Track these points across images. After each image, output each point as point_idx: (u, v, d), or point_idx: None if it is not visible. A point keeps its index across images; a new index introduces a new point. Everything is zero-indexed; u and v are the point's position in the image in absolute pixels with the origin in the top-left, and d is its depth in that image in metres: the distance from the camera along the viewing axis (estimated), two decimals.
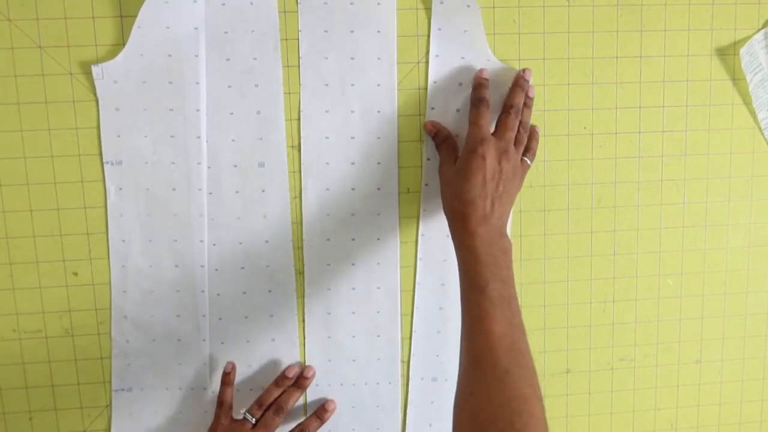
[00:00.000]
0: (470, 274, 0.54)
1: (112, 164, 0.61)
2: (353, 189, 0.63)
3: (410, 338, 0.66)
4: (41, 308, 0.63)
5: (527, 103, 0.62)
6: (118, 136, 0.60)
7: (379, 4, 0.60)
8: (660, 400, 0.70)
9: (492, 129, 0.60)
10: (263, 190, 0.62)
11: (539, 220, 0.65)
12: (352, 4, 0.60)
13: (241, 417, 0.63)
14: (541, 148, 0.64)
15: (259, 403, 0.63)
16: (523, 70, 0.62)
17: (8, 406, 0.64)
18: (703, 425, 0.71)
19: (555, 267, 0.66)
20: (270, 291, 0.64)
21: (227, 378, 0.63)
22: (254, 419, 0.62)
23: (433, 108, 0.62)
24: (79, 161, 0.61)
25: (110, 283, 0.62)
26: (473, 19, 0.61)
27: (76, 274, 0.62)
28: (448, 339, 0.66)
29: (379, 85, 0.61)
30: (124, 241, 0.62)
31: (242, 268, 0.63)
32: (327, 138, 0.62)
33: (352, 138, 0.62)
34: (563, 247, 0.66)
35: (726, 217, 0.68)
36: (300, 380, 0.64)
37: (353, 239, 0.63)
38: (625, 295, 0.68)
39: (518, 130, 0.60)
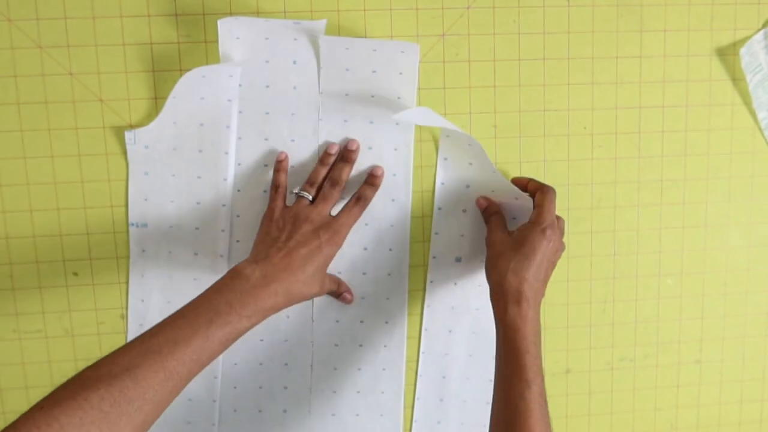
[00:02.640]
0: (518, 364, 0.53)
1: (137, 226, 0.61)
2: (364, 273, 0.64)
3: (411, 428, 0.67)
4: (41, 308, 0.63)
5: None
6: (146, 200, 0.61)
7: (399, 98, 0.61)
8: (660, 400, 0.70)
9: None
10: None
11: None
12: (373, 96, 0.60)
13: (294, 197, 0.60)
14: (541, 148, 0.64)
15: (309, 182, 0.60)
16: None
17: (8, 406, 0.64)
18: (703, 425, 0.71)
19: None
20: (286, 387, 0.65)
21: (280, 165, 0.61)
22: (311, 196, 0.59)
23: (440, 208, 0.63)
24: (79, 161, 0.61)
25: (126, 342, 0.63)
26: (476, 152, 0.61)
27: (76, 274, 0.62)
28: (448, 429, 0.67)
29: (395, 174, 0.62)
30: (143, 300, 0.63)
31: (261, 363, 0.64)
32: None
33: (366, 224, 0.63)
34: None
35: (726, 217, 0.68)
36: (345, 153, 0.61)
37: (362, 321, 0.64)
38: (625, 295, 0.68)
39: None
